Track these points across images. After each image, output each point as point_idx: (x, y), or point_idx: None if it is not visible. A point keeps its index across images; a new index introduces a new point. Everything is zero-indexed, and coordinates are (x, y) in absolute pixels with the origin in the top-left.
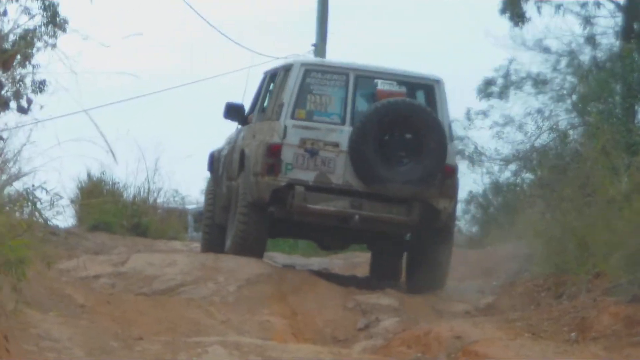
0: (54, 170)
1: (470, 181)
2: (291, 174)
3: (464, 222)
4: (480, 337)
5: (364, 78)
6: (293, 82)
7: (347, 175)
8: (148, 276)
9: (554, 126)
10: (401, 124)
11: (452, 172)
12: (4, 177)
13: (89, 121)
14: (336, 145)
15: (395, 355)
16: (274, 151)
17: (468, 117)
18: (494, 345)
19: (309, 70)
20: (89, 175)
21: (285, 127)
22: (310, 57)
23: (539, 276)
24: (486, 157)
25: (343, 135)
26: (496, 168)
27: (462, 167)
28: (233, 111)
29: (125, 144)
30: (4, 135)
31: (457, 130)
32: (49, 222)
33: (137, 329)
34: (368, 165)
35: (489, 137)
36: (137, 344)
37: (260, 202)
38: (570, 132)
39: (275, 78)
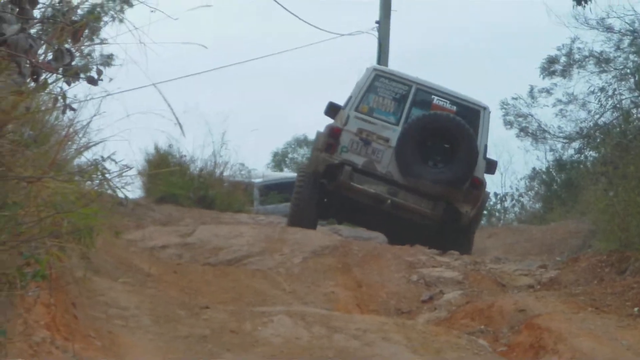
0: (122, 141)
1: (533, 158)
2: (345, 155)
3: (527, 198)
4: (543, 310)
5: (424, 92)
6: (363, 82)
7: (390, 167)
8: (214, 247)
9: (617, 104)
10: (442, 134)
11: (479, 183)
12: (74, 147)
13: (158, 94)
14: (387, 140)
15: (459, 327)
16: (335, 133)
17: (531, 95)
18: (557, 318)
19: (378, 75)
20: (156, 147)
21: (349, 116)
22: (384, 67)
23: (602, 252)
24: (549, 135)
25: (395, 133)
26: (559, 145)
27: (526, 144)
28: (334, 110)
29: (193, 117)
30: (75, 106)
31: (521, 107)
32: (117, 193)
33: (203, 298)
34: (408, 162)
35: (552, 115)
36: (203, 312)
37: (316, 173)
38: (634, 110)
39: None
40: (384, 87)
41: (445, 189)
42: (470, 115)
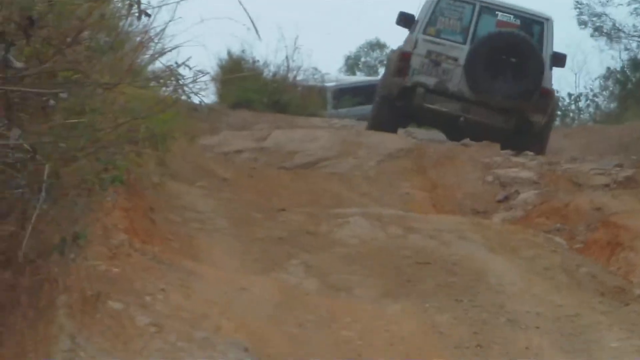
0: (197, 47)
1: (608, 57)
2: (416, 77)
3: (602, 98)
4: (619, 208)
5: (488, 9)
6: (429, 5)
7: (461, 85)
8: (289, 151)
9: None
10: (508, 50)
11: (547, 93)
12: (149, 53)
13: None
14: (456, 59)
15: (535, 226)
16: (405, 57)
17: None
18: (634, 216)
19: None
20: (229, 53)
21: (417, 39)
22: None
23: None
24: (624, 34)
25: (462, 52)
26: (634, 44)
27: (600, 43)
28: (405, 19)
29: (265, 23)
30: (149, 12)
31: (595, 6)
32: (192, 98)
33: (279, 202)
34: (478, 79)
35: (627, 13)
36: (279, 215)
37: (390, 96)
38: None
39: None
40: (448, 8)
41: (515, 102)
42: (534, 28)
